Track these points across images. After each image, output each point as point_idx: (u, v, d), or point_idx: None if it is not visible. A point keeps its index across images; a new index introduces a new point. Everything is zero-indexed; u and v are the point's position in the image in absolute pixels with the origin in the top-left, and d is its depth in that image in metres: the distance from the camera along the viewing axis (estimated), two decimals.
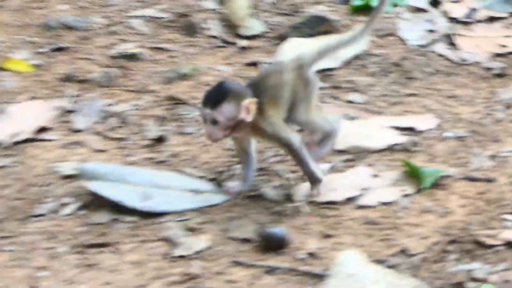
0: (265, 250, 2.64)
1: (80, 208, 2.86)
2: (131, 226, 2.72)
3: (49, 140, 3.24)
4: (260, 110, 2.69)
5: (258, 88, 2.73)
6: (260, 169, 3.00)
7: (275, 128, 2.72)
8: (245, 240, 2.70)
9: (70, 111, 3.40)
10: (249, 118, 2.65)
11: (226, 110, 2.63)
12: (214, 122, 2.64)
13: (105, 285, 2.54)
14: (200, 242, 2.69)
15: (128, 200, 2.81)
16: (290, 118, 2.76)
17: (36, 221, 2.81)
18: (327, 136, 2.81)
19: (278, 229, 2.66)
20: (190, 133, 3.25)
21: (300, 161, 2.75)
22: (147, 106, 3.44)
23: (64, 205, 2.87)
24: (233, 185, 2.85)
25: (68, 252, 2.68)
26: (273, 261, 2.61)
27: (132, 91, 3.54)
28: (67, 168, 3.04)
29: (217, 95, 2.64)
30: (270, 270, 2.56)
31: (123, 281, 2.55)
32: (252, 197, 2.87)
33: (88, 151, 3.17)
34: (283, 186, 2.94)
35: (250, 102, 2.64)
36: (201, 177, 2.99)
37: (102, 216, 2.81)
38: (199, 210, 2.84)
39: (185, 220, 2.80)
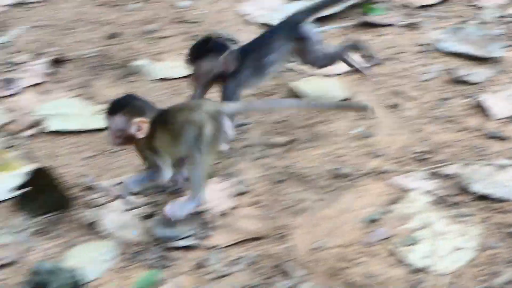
0: None
1: None
2: None
3: None
4: (155, 137, 2.48)
5: (166, 117, 2.48)
6: None
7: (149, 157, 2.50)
8: None
9: None
10: (139, 135, 2.46)
11: (117, 121, 2.46)
12: (110, 128, 2.49)
13: None
14: None
15: None
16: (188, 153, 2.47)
17: None
18: (193, 197, 2.49)
19: None
20: None
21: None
22: None
23: None
24: None
25: None
26: None
27: None
28: None
29: (115, 106, 2.48)
30: None
31: None
32: None
33: None
34: None
35: (141, 121, 2.45)
36: None
37: None
38: None
39: None
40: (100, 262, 2.39)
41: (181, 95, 3.18)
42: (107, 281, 2.33)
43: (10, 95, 3.25)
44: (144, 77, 3.33)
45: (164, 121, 2.45)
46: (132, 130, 2.44)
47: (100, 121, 2.98)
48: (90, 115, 3.10)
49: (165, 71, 3.35)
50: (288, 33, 2.88)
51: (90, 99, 3.20)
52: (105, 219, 2.53)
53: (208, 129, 2.42)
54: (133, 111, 2.44)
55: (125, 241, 2.45)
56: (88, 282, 2.32)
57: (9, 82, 3.32)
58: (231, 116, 2.53)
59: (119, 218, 2.54)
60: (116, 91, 3.21)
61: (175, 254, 2.40)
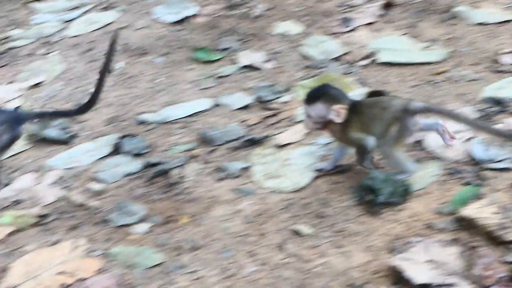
0: None
1: None
2: None
3: None
4: (349, 124, 2.55)
5: (359, 108, 2.55)
6: None
7: (355, 138, 2.57)
8: None
9: None
10: (338, 120, 2.53)
11: (317, 109, 2.54)
12: (308, 116, 2.57)
13: None
14: None
15: None
16: (377, 144, 2.54)
17: None
18: (400, 172, 2.56)
19: None
20: None
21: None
22: None
23: None
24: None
25: None
26: None
27: None
28: None
29: (314, 95, 2.55)
30: None
31: None
32: None
33: None
34: None
35: (340, 107, 2.52)
36: None
37: None
38: None
39: None
40: (426, 176, 2.58)
41: (496, 38, 3.28)
42: (431, 192, 2.52)
43: (347, 32, 3.52)
44: (463, 21, 3.46)
45: (357, 112, 2.53)
46: (331, 116, 2.53)
47: (424, 56, 3.17)
48: (416, 51, 3.29)
49: (482, 16, 3.45)
50: (8, 123, 2.64)
51: (416, 37, 3.39)
52: (429, 140, 2.71)
53: (394, 128, 2.48)
54: (331, 99, 2.52)
55: (447, 160, 2.62)
56: (415, 191, 2.52)
57: (346, 21, 3.59)
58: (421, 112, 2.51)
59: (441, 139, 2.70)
60: (439, 32, 3.38)
61: (490, 173, 2.53)
